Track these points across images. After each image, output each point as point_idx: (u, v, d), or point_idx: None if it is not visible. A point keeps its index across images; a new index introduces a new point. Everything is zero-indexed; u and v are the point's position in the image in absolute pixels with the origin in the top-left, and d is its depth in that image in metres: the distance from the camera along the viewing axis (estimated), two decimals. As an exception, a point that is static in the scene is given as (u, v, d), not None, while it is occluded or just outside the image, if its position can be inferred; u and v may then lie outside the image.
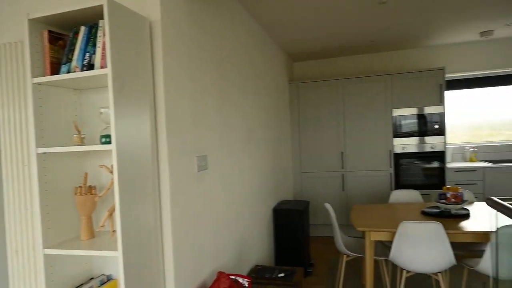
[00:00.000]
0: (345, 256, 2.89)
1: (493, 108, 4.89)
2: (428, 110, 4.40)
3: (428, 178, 4.42)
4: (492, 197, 1.53)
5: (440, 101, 4.36)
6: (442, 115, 4.37)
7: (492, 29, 4.13)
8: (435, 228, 2.34)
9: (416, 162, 4.46)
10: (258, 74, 3.37)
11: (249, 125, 3.01)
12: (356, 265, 3.69)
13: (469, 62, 4.78)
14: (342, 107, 4.66)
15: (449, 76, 4.89)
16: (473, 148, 4.71)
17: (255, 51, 3.30)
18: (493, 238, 2.16)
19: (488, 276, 2.46)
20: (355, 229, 4.69)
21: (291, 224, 3.42)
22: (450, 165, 4.46)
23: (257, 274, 2.57)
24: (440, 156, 4.39)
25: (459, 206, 2.67)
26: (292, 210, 3.42)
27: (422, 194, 4.41)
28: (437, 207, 2.92)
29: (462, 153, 4.84)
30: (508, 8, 3.37)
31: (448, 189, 2.81)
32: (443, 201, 2.73)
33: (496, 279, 2.20)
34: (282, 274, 2.53)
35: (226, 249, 2.42)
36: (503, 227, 2.16)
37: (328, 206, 2.97)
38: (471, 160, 4.69)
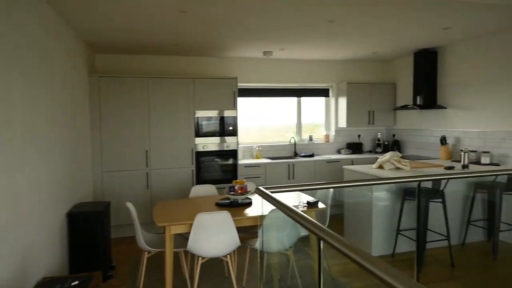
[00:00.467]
0: (146, 252, 2.96)
1: (275, 115, 6.00)
2: (225, 113, 4.99)
3: (225, 174, 5.02)
4: (259, 187, 1.94)
5: (234, 106, 5.03)
6: (235, 118, 5.05)
7: (271, 50, 5.07)
8: (224, 216, 2.72)
9: (214, 160, 4.98)
10: (49, 63, 2.99)
11: (35, 120, 2.64)
12: (158, 260, 3.81)
13: (257, 74, 5.70)
14: (147, 105, 4.68)
15: (241, 85, 5.68)
16: (259, 147, 5.65)
17: (45, 36, 2.91)
18: (261, 221, 2.71)
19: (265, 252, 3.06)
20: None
21: (88, 228, 3.20)
22: (241, 161, 5.20)
23: (44, 287, 2.31)
24: (233, 154, 5.06)
25: (244, 196, 3.19)
26: (89, 213, 3.21)
27: (219, 188, 4.95)
28: (227, 199, 3.38)
29: (250, 151, 5.72)
30: (280, 36, 4.23)
31: (236, 182, 3.31)
32: (232, 193, 3.19)
33: (262, 252, 2.76)
34: (76, 282, 2.36)
35: (2, 265, 2.07)
36: (271, 211, 2.73)
37: (129, 204, 2.96)
38: (257, 157, 5.61)
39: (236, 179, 5.05)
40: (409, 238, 3.86)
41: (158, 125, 4.74)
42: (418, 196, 3.23)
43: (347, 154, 5.92)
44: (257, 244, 2.86)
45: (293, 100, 6.08)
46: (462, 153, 3.94)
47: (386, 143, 6.09)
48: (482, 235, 4.23)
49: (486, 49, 4.38)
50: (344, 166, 4.40)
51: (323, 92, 6.15)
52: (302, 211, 2.89)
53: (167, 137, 4.78)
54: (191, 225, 2.73)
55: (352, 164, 5.54)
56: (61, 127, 3.24)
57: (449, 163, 4.42)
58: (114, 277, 3.38)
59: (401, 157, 4.08)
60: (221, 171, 5.02)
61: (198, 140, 4.91)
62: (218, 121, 4.99)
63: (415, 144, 5.66)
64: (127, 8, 3.08)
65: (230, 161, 5.04)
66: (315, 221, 1.30)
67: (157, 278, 3.36)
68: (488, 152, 4.28)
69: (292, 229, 2.86)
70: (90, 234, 3.19)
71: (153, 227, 4.76)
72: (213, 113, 4.95)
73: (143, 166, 4.69)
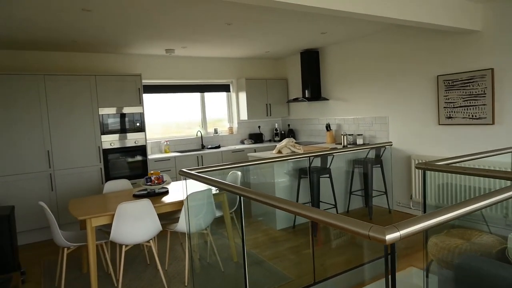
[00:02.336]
0: (65, 249, 2.97)
1: (181, 111, 6.21)
2: (130, 110, 5.03)
3: (134, 169, 5.07)
4: (183, 169, 2.25)
5: (140, 102, 5.10)
6: (142, 115, 5.12)
7: (173, 48, 5.28)
8: (145, 204, 2.92)
9: (123, 156, 4.99)
10: None
11: None
12: (73, 259, 3.75)
13: (161, 71, 5.82)
14: (45, 104, 4.44)
15: (146, 81, 5.74)
16: (167, 141, 5.80)
17: None
18: (185, 202, 2.99)
19: (184, 234, 3.34)
20: (70, 227, 4.65)
21: (-7, 235, 3.03)
22: (150, 156, 5.30)
23: (-42, 295, 2.21)
24: (142, 149, 5.14)
25: (160, 186, 3.41)
26: (-6, 218, 3.04)
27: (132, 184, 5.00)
28: (145, 190, 3.55)
29: (158, 146, 5.84)
30: (182, 35, 4.49)
31: (152, 173, 3.50)
32: (149, 183, 3.38)
33: (189, 234, 3.06)
34: (-6, 285, 2.31)
35: None
36: (189, 195, 3.04)
37: (42, 203, 2.92)
38: (165, 152, 5.76)
39: (146, 174, 5.14)
40: (305, 209, 4.56)
41: (59, 124, 4.54)
42: (310, 172, 3.90)
43: (249, 144, 6.48)
44: (178, 227, 3.13)
45: (197, 95, 6.37)
46: (342, 136, 4.81)
47: (283, 132, 6.86)
48: (361, 202, 5.22)
49: (356, 51, 5.37)
50: (249, 154, 4.91)
51: (224, 88, 6.59)
52: (214, 193, 3.26)
53: (70, 136, 4.62)
54: (112, 216, 2.86)
55: (255, 152, 6.13)
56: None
57: (333, 145, 5.30)
58: (27, 281, 3.25)
59: (295, 143, 4.77)
60: (131, 167, 5.05)
61: (105, 138, 4.85)
62: (125, 118, 5.00)
63: (306, 131, 6.53)
64: (26, 1, 2.99)
65: (140, 157, 5.11)
66: (237, 185, 1.68)
67: (77, 276, 3.36)
68: (361, 134, 5.29)
69: (208, 210, 3.21)
70: (-5, 241, 3.02)
71: (63, 229, 4.58)
72: (117, 110, 4.94)
73: (45, 168, 4.45)
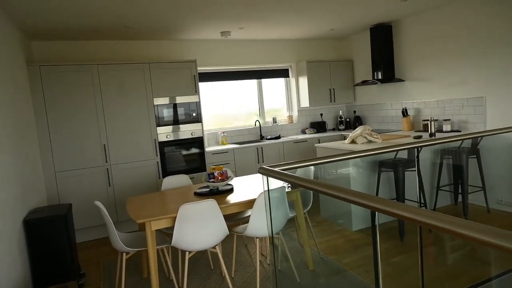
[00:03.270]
0: (124, 254, 2.65)
1: (236, 99, 5.79)
2: (186, 99, 4.68)
3: (191, 163, 4.74)
4: (264, 166, 1.76)
5: (196, 91, 4.73)
6: (198, 104, 4.76)
7: (229, 30, 4.83)
8: (210, 205, 2.50)
9: (179, 149, 4.67)
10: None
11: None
12: (133, 262, 3.49)
13: (215, 57, 5.42)
14: (99, 95, 4.22)
15: (200, 69, 5.38)
16: (223, 133, 5.42)
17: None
18: (266, 200, 2.53)
19: (253, 238, 2.89)
20: (128, 224, 4.44)
21: (50, 234, 2.80)
22: (207, 149, 4.94)
23: (10, 309, 1.94)
24: (199, 141, 4.78)
25: (224, 183, 2.98)
26: (50, 218, 2.80)
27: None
28: (206, 187, 3.15)
29: (215, 138, 5.48)
30: (239, 14, 4.00)
31: (214, 168, 3.08)
32: (212, 180, 2.97)
33: (272, 236, 2.59)
34: (48, 298, 2.02)
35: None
36: (261, 194, 2.56)
37: (98, 203, 2.62)
38: (222, 143, 5.38)
39: (204, 168, 4.79)
40: (386, 208, 3.92)
41: (114, 116, 4.31)
42: (395, 167, 3.26)
43: (312, 133, 5.91)
44: (248, 231, 2.69)
45: (254, 83, 5.90)
46: (429, 122, 4.07)
47: (347, 120, 6.18)
48: (448, 199, 4.44)
49: (442, 20, 4.54)
50: (316, 145, 4.35)
51: (283, 73, 6.05)
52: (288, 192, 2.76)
53: (126, 129, 4.37)
54: (174, 218, 2.48)
55: (319, 143, 5.54)
56: (6, 126, 2.76)
57: (415, 133, 4.56)
58: (86, 285, 3.02)
59: (371, 131, 4.11)
60: (187, 161, 4.73)
61: (161, 130, 4.56)
62: (180, 108, 4.67)
63: (376, 118, 5.79)
64: (74, -21, 2.66)
65: (196, 150, 4.77)
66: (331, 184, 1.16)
67: (137, 280, 3.06)
68: (448, 119, 4.48)
69: (281, 211, 2.72)
70: (53, 242, 2.79)
71: (121, 226, 4.38)
72: (172, 100, 4.61)
73: (101, 162, 4.26)
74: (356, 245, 3.48)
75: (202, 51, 5.33)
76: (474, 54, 4.17)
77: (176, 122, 4.64)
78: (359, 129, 4.07)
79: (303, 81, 5.85)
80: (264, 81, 5.96)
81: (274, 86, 6.07)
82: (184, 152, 4.70)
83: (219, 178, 2.98)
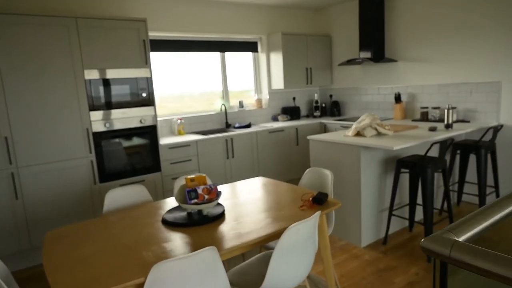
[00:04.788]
0: None
1: (194, 77, 4.57)
2: (132, 73, 3.39)
3: (141, 161, 3.49)
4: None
5: (146, 63, 3.46)
6: (149, 81, 3.50)
7: (194, -17, 3.60)
8: (207, 256, 1.41)
9: (123, 142, 3.39)
10: None
11: None
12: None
13: (168, 20, 4.13)
14: (-3, 63, 2.76)
15: (152, 34, 4.07)
16: (180, 119, 4.21)
17: None
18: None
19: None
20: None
21: None
22: (162, 141, 3.73)
23: None
24: (151, 131, 3.55)
25: (214, 203, 1.88)
26: None
27: (136, 182, 3.44)
28: (180, 208, 2.02)
29: (169, 126, 4.25)
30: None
31: (193, 179, 1.96)
32: (195, 200, 1.85)
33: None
34: None
35: None
36: (290, 231, 1.54)
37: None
38: (179, 133, 4.18)
39: (158, 167, 3.58)
40: (400, 217, 3.15)
41: (22, 96, 2.88)
42: (423, 168, 2.43)
43: (285, 120, 4.97)
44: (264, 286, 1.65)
45: (217, 57, 4.73)
46: (446, 110, 3.34)
47: (323, 105, 5.34)
48: (454, 199, 3.85)
49: (448, -10, 3.82)
50: (310, 137, 3.40)
51: (251, 46, 4.96)
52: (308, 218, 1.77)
53: (42, 114, 2.97)
54: (138, 286, 1.35)
55: (297, 132, 4.63)
56: None
57: (426, 124, 3.85)
58: None
59: (381, 121, 3.28)
60: (135, 158, 3.47)
61: (95, 115, 3.23)
62: (124, 86, 3.37)
63: (358, 104, 5.03)
64: None
65: (147, 142, 3.53)
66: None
67: None
68: (454, 108, 3.85)
69: (310, 245, 1.73)
70: None
71: (37, 254, 3.03)
72: (115, 74, 3.29)
73: (2, 164, 2.83)
74: (378, 270, 2.65)
75: (152, 9, 4.00)
76: (488, 28, 3.53)
77: (118, 105, 3.34)
78: (366, 119, 3.20)
79: (276, 58, 4.83)
80: (229, 56, 4.81)
81: (239, 63, 4.96)
82: (131, 146, 3.44)
83: (206, 197, 1.87)
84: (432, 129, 3.31)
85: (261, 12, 4.85)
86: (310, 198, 2.02)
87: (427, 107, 4.10)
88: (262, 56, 5.03)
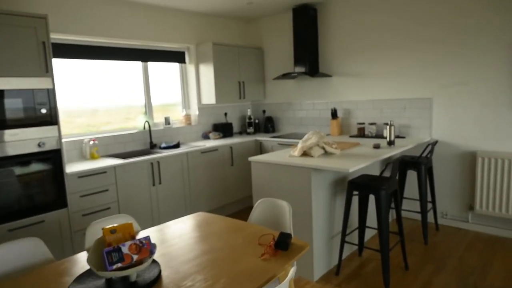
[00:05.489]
0: None
1: (110, 87, 3.87)
2: (27, 84, 2.64)
3: (40, 196, 2.72)
4: None
5: (47, 71, 2.74)
6: (51, 93, 2.77)
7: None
8: None
9: (15, 172, 2.60)
10: None
11: None
12: None
13: (81, 21, 3.43)
14: None
15: (56, 37, 3.32)
16: (93, 140, 3.49)
17: None
18: None
19: None
20: None
21: None
22: (69, 169, 2.98)
23: None
24: (53, 157, 2.80)
25: (146, 265, 1.35)
26: None
27: (32, 224, 2.66)
28: (92, 276, 1.44)
29: (79, 149, 3.49)
30: None
31: (114, 231, 1.41)
32: (118, 265, 1.29)
33: None
34: None
35: None
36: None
37: None
38: (92, 158, 3.45)
39: (64, 202, 2.83)
40: (349, 242, 2.92)
41: None
42: (377, 190, 2.23)
43: (218, 138, 4.53)
44: None
45: (138, 68, 4.11)
46: (388, 127, 3.25)
47: (257, 121, 5.04)
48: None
49: (379, 7, 3.83)
50: (251, 158, 3.02)
51: (178, 56, 4.45)
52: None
53: None
54: None
55: (232, 152, 4.22)
56: None
57: (365, 140, 3.73)
58: None
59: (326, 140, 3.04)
60: (32, 193, 2.69)
61: (-28, 139, 2.41)
62: (18, 99, 2.60)
63: (293, 120, 4.83)
64: None
65: (49, 170, 2.77)
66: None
67: None
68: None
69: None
70: None
71: None
72: (2, 83, 2.52)
73: None
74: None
75: (57, 4, 3.27)
76: (419, 47, 3.60)
77: (6, 124, 2.55)
78: (313, 137, 2.94)
79: (206, 70, 4.40)
80: (153, 67, 4.23)
81: (165, 74, 4.41)
82: (24, 177, 2.65)
83: (134, 257, 1.33)
84: (376, 147, 3.19)
85: (189, 20, 4.39)
86: (272, 242, 1.61)
87: (363, 123, 4.05)
88: (190, 68, 4.55)
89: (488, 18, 3.17)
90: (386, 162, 3.43)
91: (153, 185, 3.47)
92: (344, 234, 2.76)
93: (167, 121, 4.29)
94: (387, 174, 3.42)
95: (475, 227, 3.48)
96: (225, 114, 4.89)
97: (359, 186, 2.66)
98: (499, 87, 3.19)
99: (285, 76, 4.34)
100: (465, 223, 3.55)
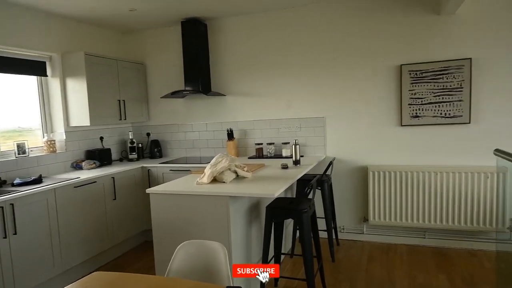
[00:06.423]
0: None
1: None
2: None
3: None
4: None
5: None
6: None
7: None
8: None
9: None
10: None
11: None
12: None
13: None
14: None
15: None
16: None
17: None
18: None
19: None
20: None
21: None
22: None
23: None
24: None
25: None
26: None
27: None
28: None
29: None
30: None
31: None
32: None
33: None
34: None
35: None
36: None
37: None
38: None
39: None
40: (269, 275, 2.63)
41: None
42: (299, 214, 2.08)
43: (93, 167, 3.72)
44: None
45: (-25, 77, 3.05)
46: (293, 146, 3.17)
47: (140, 145, 4.39)
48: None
49: (273, 26, 3.84)
50: (150, 190, 2.47)
51: (36, 68, 3.53)
52: None
53: None
54: None
55: (114, 183, 3.51)
56: None
57: (271, 161, 3.55)
58: None
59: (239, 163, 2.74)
60: None
61: None
62: None
63: (184, 143, 4.38)
64: None
65: None
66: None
67: None
68: (287, 143, 3.79)
69: None
70: None
71: None
72: None
73: None
74: None
75: None
76: (312, 68, 3.72)
77: None
78: (223, 160, 2.59)
79: (76, 85, 3.61)
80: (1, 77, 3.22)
81: (15, 89, 3.42)
82: None
83: None
84: (285, 167, 3.05)
85: (52, 23, 3.54)
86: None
87: (261, 143, 3.92)
88: (54, 82, 3.65)
89: (375, 43, 3.48)
90: (301, 183, 3.32)
91: (4, 237, 2.51)
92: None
93: (20, 149, 3.28)
94: (289, 194, 3.31)
95: (369, 238, 3.68)
96: (101, 138, 4.10)
97: (280, 211, 2.43)
98: (387, 106, 3.50)
99: (175, 94, 3.91)
100: (360, 234, 3.72)
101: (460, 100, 3.26)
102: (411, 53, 3.37)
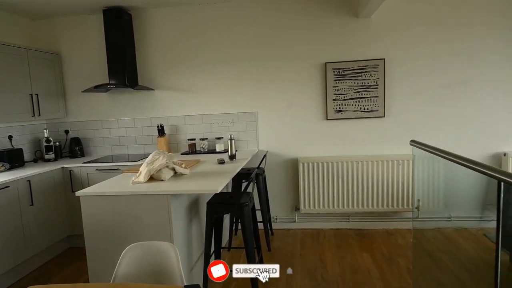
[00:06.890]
0: None
1: None
2: None
3: None
4: None
5: None
6: None
7: None
8: None
9: None
10: None
11: None
12: None
13: None
14: None
15: None
16: None
17: None
18: None
19: None
20: None
21: None
22: None
23: None
24: None
25: None
26: None
27: None
28: None
29: None
30: None
31: None
32: None
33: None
34: None
35: None
36: None
37: None
38: None
39: None
40: (210, 271, 2.63)
41: None
42: (241, 207, 2.17)
43: (3, 170, 3.29)
44: None
45: None
46: (229, 141, 3.19)
47: (57, 144, 3.99)
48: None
49: (192, 21, 3.79)
50: (79, 193, 2.28)
51: None
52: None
53: None
54: None
55: (31, 187, 3.16)
56: None
57: (206, 157, 3.50)
58: None
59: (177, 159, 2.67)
60: None
61: None
62: None
63: (109, 140, 4.10)
64: None
65: None
66: None
67: None
68: (221, 138, 3.81)
69: None
70: None
71: None
72: None
73: None
74: None
75: None
76: (244, 64, 3.78)
77: None
78: (159, 157, 2.51)
79: (-23, 77, 3.13)
80: None
81: None
82: None
83: None
84: (221, 162, 3.07)
85: None
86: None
87: (194, 139, 3.87)
88: None
89: (303, 41, 3.65)
90: (237, 177, 3.35)
91: None
92: (207, 263, 2.47)
93: None
94: (225, 189, 3.36)
95: (301, 225, 3.90)
96: (10, 137, 3.63)
97: (221, 206, 2.45)
98: (315, 101, 3.71)
99: (98, 88, 3.63)
100: (292, 223, 3.93)
101: (376, 96, 3.63)
102: (335, 52, 3.64)
